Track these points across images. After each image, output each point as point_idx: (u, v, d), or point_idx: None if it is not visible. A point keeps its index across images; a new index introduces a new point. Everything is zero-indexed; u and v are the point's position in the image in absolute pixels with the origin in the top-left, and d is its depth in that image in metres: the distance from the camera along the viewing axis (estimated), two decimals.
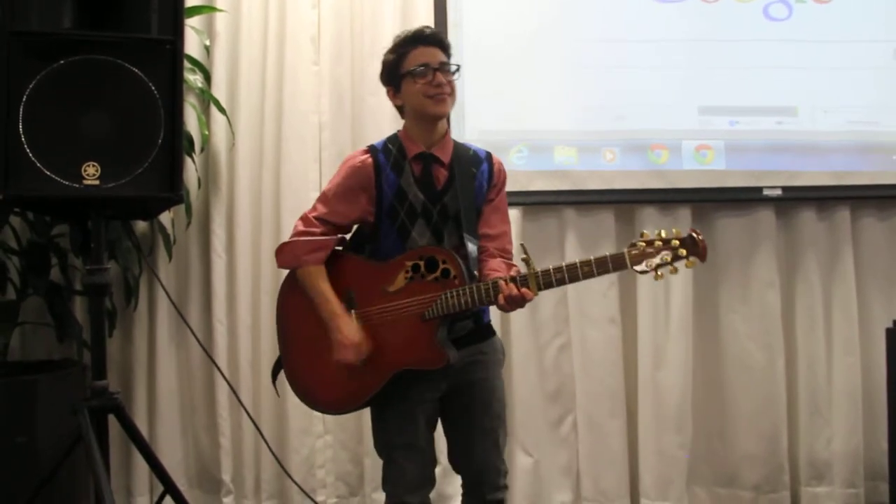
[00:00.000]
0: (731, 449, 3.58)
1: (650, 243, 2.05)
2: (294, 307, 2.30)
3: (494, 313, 2.38)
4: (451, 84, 2.22)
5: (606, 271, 2.06)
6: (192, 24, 3.34)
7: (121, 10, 2.35)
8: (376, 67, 3.46)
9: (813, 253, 3.61)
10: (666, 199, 3.53)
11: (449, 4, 3.49)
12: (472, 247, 2.20)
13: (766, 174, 3.54)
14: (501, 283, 2.08)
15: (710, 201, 3.59)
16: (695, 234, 2.05)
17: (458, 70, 2.25)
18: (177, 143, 2.37)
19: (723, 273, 3.61)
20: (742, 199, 3.56)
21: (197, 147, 3.42)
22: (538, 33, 3.51)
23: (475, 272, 2.17)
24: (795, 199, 3.58)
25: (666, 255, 2.04)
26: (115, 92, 2.30)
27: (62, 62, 2.26)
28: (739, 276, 3.60)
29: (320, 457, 3.49)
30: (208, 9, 3.46)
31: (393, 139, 2.29)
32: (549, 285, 2.07)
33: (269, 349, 3.50)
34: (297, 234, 2.26)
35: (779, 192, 3.53)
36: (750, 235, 3.58)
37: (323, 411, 2.47)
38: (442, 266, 2.13)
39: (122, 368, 3.48)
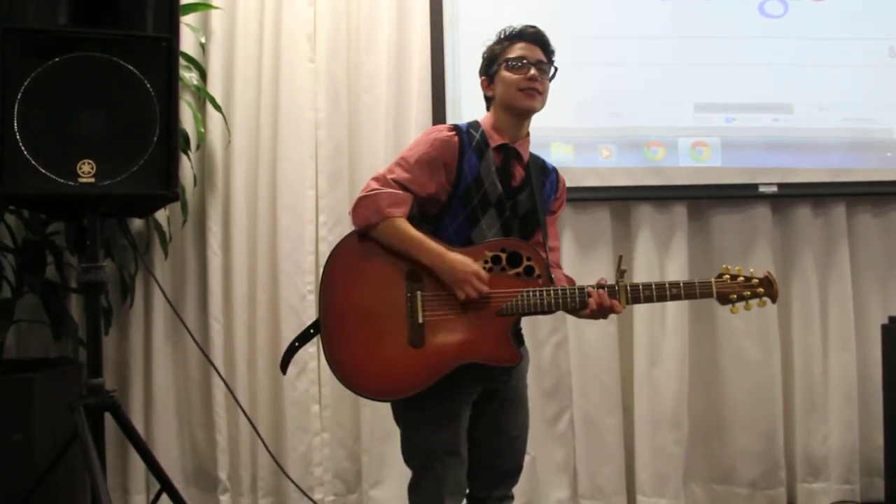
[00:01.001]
0: (727, 445, 3.59)
1: (734, 277, 2.17)
2: (346, 278, 2.11)
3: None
4: (543, 83, 2.20)
5: (693, 296, 2.14)
6: (187, 21, 3.33)
7: (116, 8, 2.35)
8: (372, 64, 3.55)
9: (809, 250, 3.62)
10: (662, 195, 3.54)
11: (445, 1, 3.49)
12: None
13: (761, 171, 3.54)
14: (591, 289, 2.08)
15: (706, 198, 3.60)
16: (770, 277, 2.17)
17: (554, 74, 2.25)
18: (172, 141, 2.36)
19: (718, 270, 3.61)
20: (738, 195, 3.57)
21: (193, 144, 3.41)
22: None
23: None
24: (791, 195, 3.59)
25: (747, 292, 2.16)
26: (110, 89, 2.30)
27: (58, 59, 2.26)
28: None
29: (317, 454, 3.48)
30: (204, 6, 3.44)
31: (475, 126, 2.23)
32: (636, 300, 2.11)
33: (266, 346, 3.50)
34: (371, 190, 2.12)
35: (774, 188, 3.54)
36: (746, 232, 3.58)
37: (367, 396, 2.16)
38: (526, 263, 2.10)
39: (119, 366, 3.47)
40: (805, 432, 3.58)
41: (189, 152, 3.38)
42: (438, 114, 3.46)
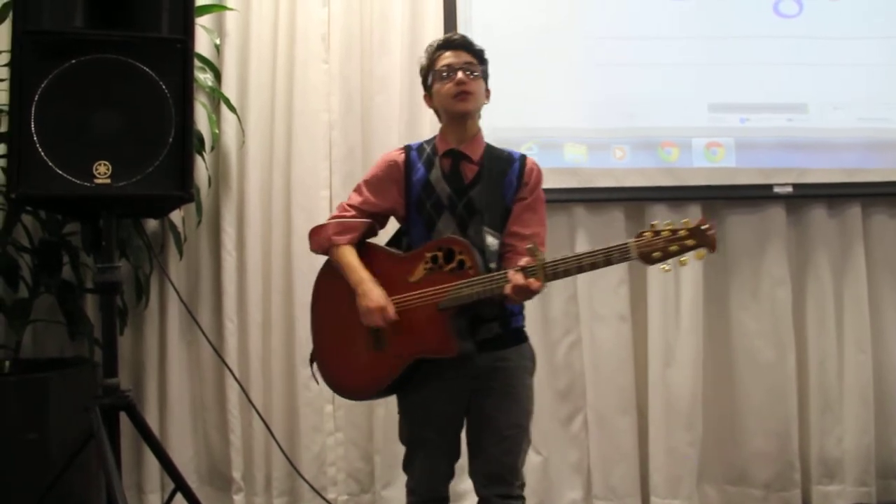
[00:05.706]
0: (741, 447, 3.57)
1: (657, 233, 1.99)
2: (324, 293, 2.40)
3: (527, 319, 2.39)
4: (474, 83, 2.29)
5: (611, 262, 2.05)
6: (202, 22, 3.35)
7: (131, 10, 2.36)
8: (385, 65, 3.56)
9: (824, 250, 3.60)
10: (676, 196, 3.53)
11: (458, 2, 3.49)
12: (491, 240, 2.23)
13: (776, 171, 3.53)
14: (510, 272, 2.08)
15: (720, 199, 3.58)
16: (704, 225, 1.99)
17: (479, 73, 2.31)
18: (187, 142, 2.38)
19: (733, 270, 3.61)
20: (752, 196, 3.55)
21: (207, 145, 3.43)
22: (548, 30, 3.51)
23: (492, 265, 2.19)
24: (806, 196, 3.57)
25: (674, 246, 1.98)
26: (126, 91, 2.32)
27: (73, 61, 2.28)
28: (750, 274, 3.59)
29: (331, 454, 3.49)
30: (218, 7, 3.46)
31: (430, 140, 2.40)
32: (555, 276, 2.07)
33: (280, 347, 3.51)
34: (330, 218, 2.40)
35: (789, 189, 3.52)
36: (760, 233, 3.56)
37: (348, 397, 2.47)
38: (458, 257, 2.17)
39: (134, 366, 3.49)
40: (820, 434, 3.56)
41: (203, 153, 3.39)
42: None
